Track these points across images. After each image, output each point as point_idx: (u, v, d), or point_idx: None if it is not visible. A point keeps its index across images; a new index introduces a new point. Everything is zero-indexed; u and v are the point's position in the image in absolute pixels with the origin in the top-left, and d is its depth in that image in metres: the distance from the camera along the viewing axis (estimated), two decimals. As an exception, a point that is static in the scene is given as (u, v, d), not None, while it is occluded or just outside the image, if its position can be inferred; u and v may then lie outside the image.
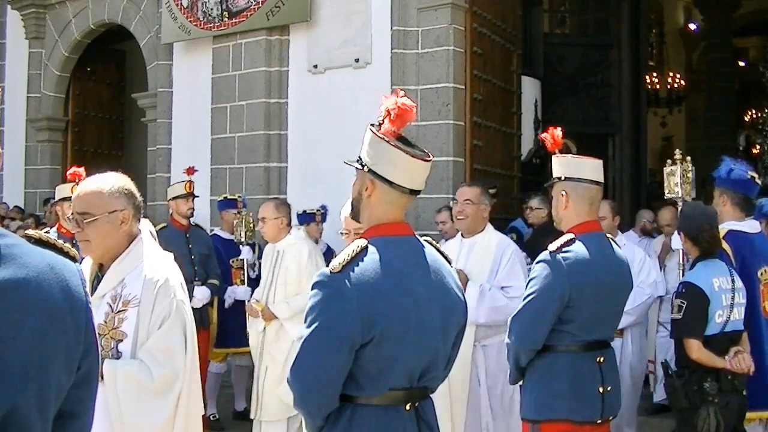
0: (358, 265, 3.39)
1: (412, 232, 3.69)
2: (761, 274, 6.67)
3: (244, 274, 10.49)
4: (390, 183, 3.54)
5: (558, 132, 5.31)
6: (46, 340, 2.22)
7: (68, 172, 9.33)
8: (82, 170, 9.04)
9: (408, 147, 3.56)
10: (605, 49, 16.61)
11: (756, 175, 7.02)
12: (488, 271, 7.05)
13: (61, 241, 2.44)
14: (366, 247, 3.47)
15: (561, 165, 5.27)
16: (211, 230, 10.99)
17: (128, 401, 4.22)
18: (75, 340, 2.34)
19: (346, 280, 3.36)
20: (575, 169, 5.21)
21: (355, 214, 3.75)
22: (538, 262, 5.12)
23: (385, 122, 3.54)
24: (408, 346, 3.45)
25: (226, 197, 11.08)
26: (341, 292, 3.36)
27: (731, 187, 7.00)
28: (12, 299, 2.14)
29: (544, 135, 5.41)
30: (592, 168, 5.24)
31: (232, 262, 10.54)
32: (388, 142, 3.51)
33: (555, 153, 5.32)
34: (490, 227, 7.31)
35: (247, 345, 8.82)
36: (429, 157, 3.62)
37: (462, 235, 7.34)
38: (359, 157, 3.63)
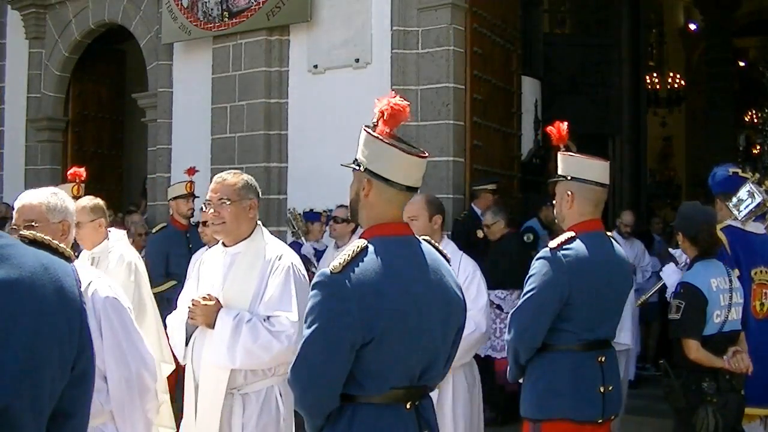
0: (358, 266, 3.41)
1: (411, 232, 3.70)
2: (755, 273, 6.67)
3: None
4: (387, 180, 3.56)
5: (564, 126, 5.30)
6: (40, 340, 2.23)
7: (69, 172, 9.33)
8: (82, 170, 9.05)
9: (402, 144, 3.57)
10: (605, 49, 16.62)
11: (739, 170, 7.01)
12: (252, 293, 5.23)
13: (55, 242, 2.44)
14: (366, 248, 3.49)
15: (567, 164, 5.25)
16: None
17: None
18: (69, 340, 2.34)
19: (347, 281, 3.37)
20: (582, 169, 5.19)
21: (352, 216, 3.76)
22: (538, 259, 5.14)
23: (379, 123, 3.55)
24: (408, 345, 3.47)
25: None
26: (341, 293, 3.37)
27: (721, 189, 7.04)
28: (5, 300, 2.15)
29: (550, 128, 5.39)
30: (599, 170, 5.22)
31: None
32: (382, 140, 3.53)
33: (561, 148, 5.32)
34: (261, 231, 5.51)
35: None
36: (424, 153, 3.64)
37: (223, 243, 5.46)
38: (355, 158, 3.64)
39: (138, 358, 4.58)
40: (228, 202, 5.22)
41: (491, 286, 7.81)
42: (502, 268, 9.64)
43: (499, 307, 9.74)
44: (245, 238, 5.33)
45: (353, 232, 9.31)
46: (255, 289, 5.20)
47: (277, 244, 5.49)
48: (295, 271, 5.26)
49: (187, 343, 5.29)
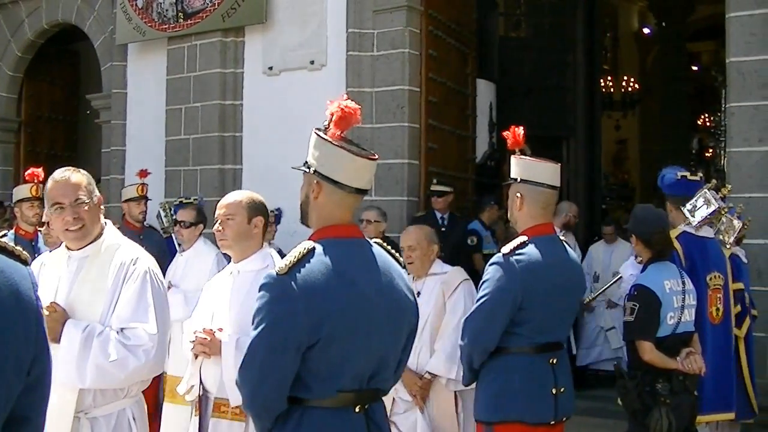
0: (304, 267, 3.40)
1: (361, 234, 3.70)
2: (710, 279, 6.70)
3: None
4: (336, 183, 3.55)
5: (520, 131, 5.31)
6: None
7: (27, 173, 9.25)
8: (40, 170, 8.97)
9: (352, 146, 3.57)
10: (560, 52, 16.69)
11: (688, 174, 7.03)
12: (104, 303, 4.58)
13: (11, 244, 2.41)
14: (313, 249, 3.47)
15: (518, 167, 5.28)
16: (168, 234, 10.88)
17: None
18: (25, 344, 2.31)
19: (293, 282, 3.36)
20: (532, 172, 5.22)
21: (303, 218, 3.74)
22: (491, 264, 5.14)
23: (330, 126, 3.55)
24: (356, 347, 3.46)
25: (181, 201, 10.93)
26: (287, 294, 3.36)
27: (670, 192, 7.07)
28: None
29: (506, 133, 5.40)
30: (548, 172, 5.26)
31: None
32: (331, 142, 3.53)
33: (515, 152, 5.34)
34: (111, 232, 4.84)
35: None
36: (373, 155, 3.64)
37: (67, 246, 4.75)
38: (305, 160, 3.63)
39: None
40: (86, 201, 4.60)
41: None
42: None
43: None
44: (94, 240, 4.70)
45: (200, 234, 8.87)
46: (107, 298, 4.58)
47: (131, 246, 4.86)
48: (152, 277, 4.67)
49: None
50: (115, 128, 14.40)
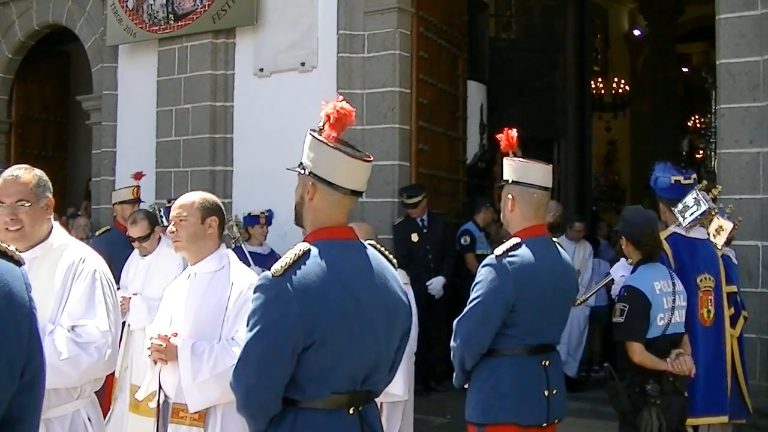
0: (300, 269, 3.40)
1: (355, 236, 3.70)
2: (701, 280, 6.68)
3: None
4: (331, 184, 3.56)
5: (513, 133, 5.32)
6: None
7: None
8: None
9: (347, 148, 3.57)
10: (551, 53, 16.71)
11: (681, 178, 7.01)
12: (54, 303, 4.55)
13: (4, 245, 2.40)
14: (308, 251, 3.48)
15: (510, 168, 5.29)
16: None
17: None
18: (17, 346, 2.30)
19: (288, 284, 3.36)
20: (523, 173, 5.23)
21: (297, 219, 3.74)
22: (484, 266, 5.14)
23: (325, 127, 3.55)
24: (350, 349, 3.46)
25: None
26: (283, 296, 3.36)
27: (662, 195, 7.05)
28: None
29: (500, 135, 5.41)
30: (539, 173, 5.26)
31: None
32: (327, 144, 3.53)
33: (507, 154, 5.34)
34: (59, 232, 4.82)
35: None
36: (369, 157, 3.64)
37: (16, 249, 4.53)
38: (300, 161, 3.64)
39: None
40: (27, 204, 4.54)
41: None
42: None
43: None
44: (41, 241, 4.67)
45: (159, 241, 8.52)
46: (56, 298, 4.54)
47: (79, 245, 4.85)
48: (101, 276, 4.68)
49: None
50: (106, 129, 14.36)
